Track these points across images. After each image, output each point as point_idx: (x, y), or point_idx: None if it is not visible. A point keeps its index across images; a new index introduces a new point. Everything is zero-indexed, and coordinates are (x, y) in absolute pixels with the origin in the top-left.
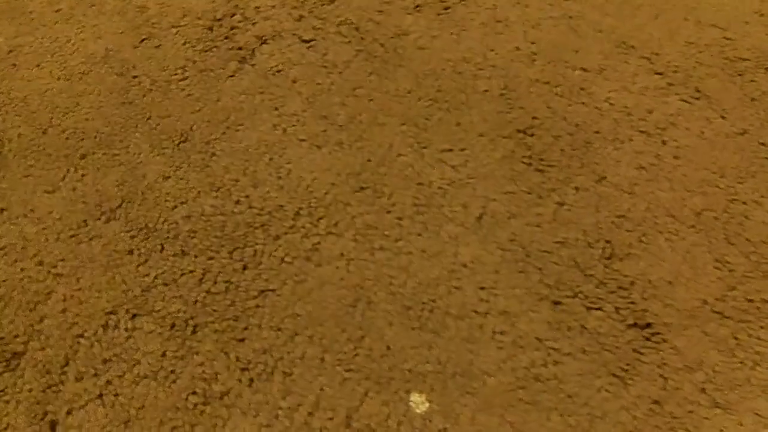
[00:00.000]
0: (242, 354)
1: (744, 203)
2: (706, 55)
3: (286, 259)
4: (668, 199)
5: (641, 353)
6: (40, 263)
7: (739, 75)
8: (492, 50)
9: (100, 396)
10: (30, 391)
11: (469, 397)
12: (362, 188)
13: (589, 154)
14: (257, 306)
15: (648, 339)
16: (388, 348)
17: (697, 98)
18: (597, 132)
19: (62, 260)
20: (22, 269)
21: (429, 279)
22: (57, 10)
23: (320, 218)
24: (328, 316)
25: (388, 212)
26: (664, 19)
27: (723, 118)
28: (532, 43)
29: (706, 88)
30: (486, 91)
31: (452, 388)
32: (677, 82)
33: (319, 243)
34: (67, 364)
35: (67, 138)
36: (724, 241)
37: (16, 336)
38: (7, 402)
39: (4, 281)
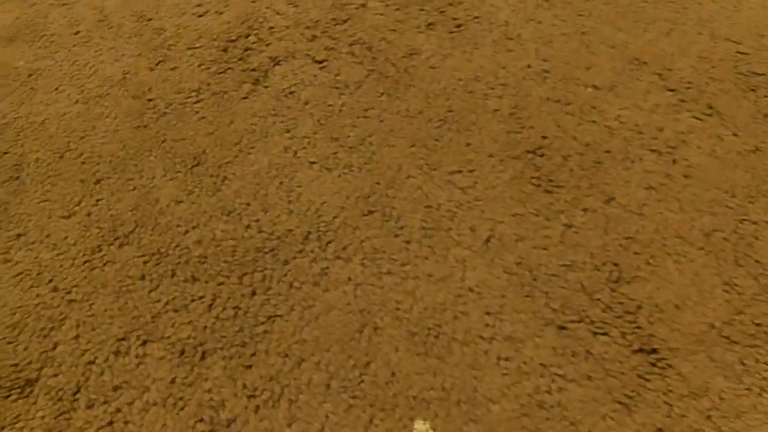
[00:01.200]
0: (249, 381)
1: (754, 223)
2: (719, 70)
3: (294, 284)
4: (677, 220)
5: (647, 379)
6: (55, 289)
7: (753, 90)
8: (503, 68)
9: (111, 423)
10: (42, 418)
11: (473, 425)
12: (371, 212)
13: (599, 174)
14: (265, 332)
15: (654, 365)
16: (393, 374)
17: (709, 115)
18: (607, 151)
19: (76, 286)
20: (37, 295)
21: (435, 304)
22: (76, 33)
23: (329, 242)
24: (334, 341)
25: (396, 236)
26: (677, 33)
27: (735, 135)
28: (544, 60)
29: (719, 104)
30: (496, 110)
31: (456, 415)
32: (689, 99)
33: (327, 268)
34: (78, 391)
35: (83, 162)
36: (732, 263)
37: (30, 363)
38: (21, 429)
39: (19, 308)
